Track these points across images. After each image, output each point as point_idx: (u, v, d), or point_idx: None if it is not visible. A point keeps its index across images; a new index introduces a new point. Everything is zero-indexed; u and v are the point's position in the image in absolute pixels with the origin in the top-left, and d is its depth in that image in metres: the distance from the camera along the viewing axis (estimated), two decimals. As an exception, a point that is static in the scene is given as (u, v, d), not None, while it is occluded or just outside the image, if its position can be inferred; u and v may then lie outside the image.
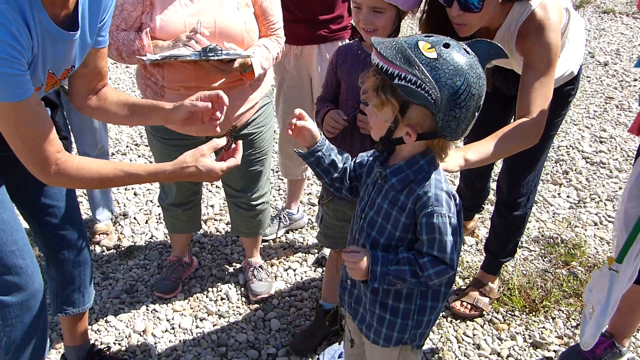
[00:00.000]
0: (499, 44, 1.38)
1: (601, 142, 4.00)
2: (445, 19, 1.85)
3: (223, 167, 1.60)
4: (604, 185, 3.50)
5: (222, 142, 1.65)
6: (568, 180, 3.57)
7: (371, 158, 1.59)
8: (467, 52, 1.32)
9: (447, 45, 1.29)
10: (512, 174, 2.40)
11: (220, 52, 1.92)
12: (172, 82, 2.09)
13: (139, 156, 3.83)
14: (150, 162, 3.80)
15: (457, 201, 1.45)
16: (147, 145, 3.98)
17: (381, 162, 1.50)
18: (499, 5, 1.78)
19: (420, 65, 1.26)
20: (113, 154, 3.79)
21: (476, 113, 1.36)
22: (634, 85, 4.80)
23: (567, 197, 3.41)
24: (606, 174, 3.61)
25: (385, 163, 1.49)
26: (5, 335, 1.75)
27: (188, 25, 1.98)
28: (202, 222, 2.89)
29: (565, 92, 2.23)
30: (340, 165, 1.61)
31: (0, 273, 1.69)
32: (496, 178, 2.69)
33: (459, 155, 1.69)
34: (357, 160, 1.64)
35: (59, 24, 1.45)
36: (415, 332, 1.59)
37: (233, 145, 1.68)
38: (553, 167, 3.70)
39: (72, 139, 2.78)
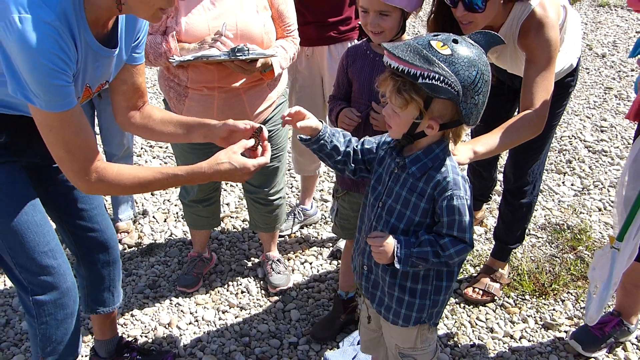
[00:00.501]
0: (495, 33, 1.49)
1: (602, 131, 4.11)
2: (451, 18, 1.95)
3: (255, 163, 1.66)
4: (606, 173, 3.61)
5: (250, 142, 1.71)
6: (572, 169, 3.67)
7: (383, 150, 1.69)
8: (472, 44, 1.43)
9: (456, 41, 1.40)
10: (517, 164, 2.51)
11: (247, 51, 2.02)
12: (195, 82, 2.19)
13: (154, 157, 3.93)
14: (165, 163, 3.90)
15: (469, 184, 1.56)
16: (160, 147, 4.08)
17: (397, 153, 1.59)
18: (501, 5, 1.88)
19: (439, 62, 1.36)
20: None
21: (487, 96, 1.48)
22: (632, 76, 4.91)
23: (572, 185, 3.52)
24: (608, 162, 3.72)
25: (400, 154, 1.59)
26: (41, 332, 1.84)
27: (212, 28, 2.08)
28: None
29: (565, 84, 2.34)
30: (342, 148, 1.69)
31: (35, 273, 1.77)
32: (502, 169, 2.79)
33: (468, 148, 1.79)
34: (365, 146, 1.72)
35: (99, 41, 1.54)
36: (432, 312, 1.69)
37: (259, 145, 1.75)
38: (557, 157, 3.80)
39: (99, 138, 2.87)
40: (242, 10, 2.12)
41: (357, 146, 1.72)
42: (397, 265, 1.54)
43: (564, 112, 2.47)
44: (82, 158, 1.52)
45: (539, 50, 1.93)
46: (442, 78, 1.36)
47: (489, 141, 1.85)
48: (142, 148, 4.01)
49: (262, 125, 1.75)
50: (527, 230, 2.95)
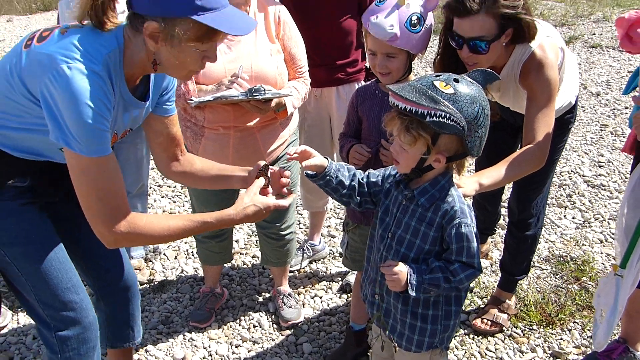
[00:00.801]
0: (490, 70, 1.62)
1: (600, 166, 4.22)
2: (456, 59, 2.08)
3: (276, 203, 1.73)
4: (606, 206, 3.70)
5: (262, 182, 1.78)
6: (572, 202, 3.77)
7: (389, 183, 1.78)
8: (472, 82, 1.55)
9: (457, 80, 1.52)
10: (521, 197, 2.60)
11: (264, 92, 2.14)
12: (212, 122, 2.31)
13: (162, 196, 4.02)
14: (174, 202, 3.99)
15: (474, 214, 1.66)
16: (169, 186, 4.18)
17: (404, 186, 1.69)
18: (502, 47, 2.01)
19: (444, 101, 1.47)
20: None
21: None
22: (626, 113, 5.06)
23: (573, 218, 3.60)
24: (607, 195, 3.82)
25: (407, 186, 1.68)
26: None
27: (228, 70, 2.21)
28: (231, 255, 3.06)
29: (565, 120, 2.46)
30: (347, 182, 1.76)
31: (58, 309, 1.81)
32: (506, 203, 2.89)
33: (474, 181, 1.89)
34: (370, 179, 1.80)
35: (131, 93, 1.64)
36: (443, 336, 1.76)
37: (269, 184, 1.82)
38: (557, 192, 3.90)
39: None
40: (257, 53, 2.25)
41: (362, 179, 1.80)
42: (411, 292, 1.61)
43: (564, 147, 2.58)
44: (113, 205, 1.53)
45: (540, 89, 2.04)
46: (448, 115, 1.46)
47: (494, 174, 1.94)
48: (150, 187, 4.10)
49: (265, 163, 1.83)
50: (532, 262, 3.02)
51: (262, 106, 2.20)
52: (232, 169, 1.93)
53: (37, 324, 1.89)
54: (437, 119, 1.46)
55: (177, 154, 1.92)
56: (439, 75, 1.53)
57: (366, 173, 1.82)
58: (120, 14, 1.58)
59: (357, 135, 2.28)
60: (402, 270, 1.62)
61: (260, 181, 1.78)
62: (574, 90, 2.43)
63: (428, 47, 2.12)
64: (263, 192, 1.78)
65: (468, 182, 1.84)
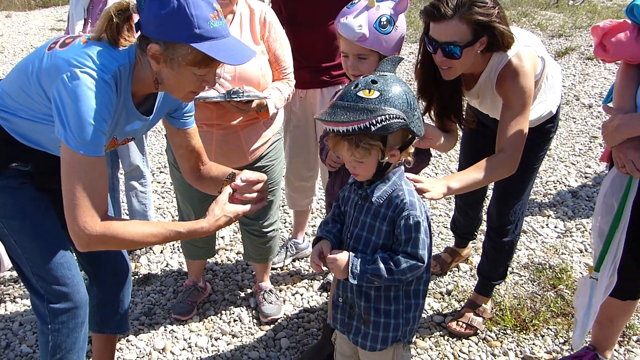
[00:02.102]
0: (395, 56, 1.70)
1: (586, 177, 4.28)
2: (435, 65, 2.14)
3: (244, 209, 1.81)
4: (588, 216, 3.75)
5: (229, 190, 1.84)
6: (555, 212, 3.82)
7: (346, 192, 1.85)
8: (385, 75, 1.62)
9: (374, 82, 1.58)
10: (501, 204, 2.65)
11: (242, 94, 2.21)
12: (195, 120, 2.35)
13: (153, 191, 4.08)
14: (162, 197, 4.05)
15: (426, 209, 1.72)
16: (159, 182, 4.24)
17: (358, 186, 1.76)
18: (478, 55, 2.07)
19: (378, 106, 1.54)
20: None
21: None
22: (617, 125, 5.10)
23: (555, 227, 3.66)
24: (590, 206, 3.87)
25: (362, 186, 1.75)
26: (52, 340, 1.97)
27: (212, 70, 2.26)
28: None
29: (546, 130, 2.51)
30: (338, 231, 1.84)
31: (51, 283, 1.92)
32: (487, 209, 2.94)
33: (442, 184, 1.94)
34: (336, 210, 1.87)
35: (135, 106, 1.77)
36: (405, 329, 1.81)
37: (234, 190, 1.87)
38: (541, 200, 3.95)
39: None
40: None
41: (336, 213, 1.87)
42: (351, 280, 1.66)
43: (544, 156, 2.63)
44: (93, 205, 1.60)
45: (515, 96, 2.09)
46: (388, 117, 1.53)
47: (463, 177, 2.00)
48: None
49: (234, 171, 1.90)
50: (510, 269, 3.08)
51: (242, 107, 2.27)
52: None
53: (31, 295, 2.00)
54: (381, 125, 1.53)
55: (198, 165, 2.05)
56: (357, 85, 1.59)
57: (332, 210, 1.89)
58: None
59: None
60: (342, 257, 1.69)
61: (228, 189, 1.84)
62: (555, 100, 2.47)
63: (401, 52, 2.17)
64: (231, 199, 1.84)
65: (437, 185, 1.90)
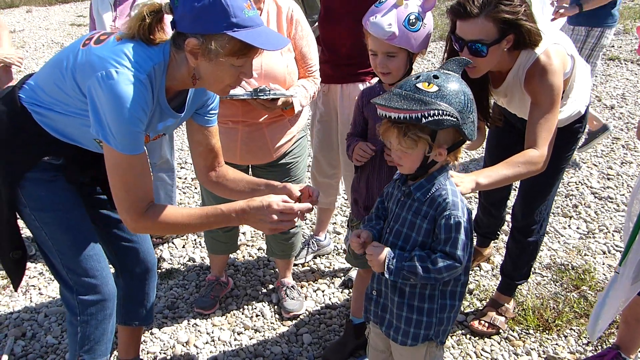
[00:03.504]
0: (461, 57, 1.69)
1: (608, 179, 4.24)
2: None
3: (280, 200, 1.73)
4: (611, 218, 3.72)
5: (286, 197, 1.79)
6: (578, 213, 3.79)
7: (390, 188, 1.85)
8: (449, 74, 1.62)
9: (436, 77, 1.59)
10: (526, 203, 2.64)
11: (268, 92, 2.23)
12: (221, 116, 2.38)
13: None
14: (184, 192, 4.09)
15: (469, 210, 1.71)
16: (180, 178, 4.28)
17: (402, 183, 1.76)
18: (505, 53, 2.06)
19: (433, 100, 1.55)
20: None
21: None
22: (640, 127, 5.05)
23: (577, 228, 3.63)
24: (614, 208, 3.84)
25: (405, 183, 1.75)
26: (81, 330, 2.01)
27: (237, 68, 2.29)
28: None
29: (574, 129, 2.49)
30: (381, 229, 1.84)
31: (80, 275, 1.96)
32: (510, 209, 2.93)
33: (471, 179, 1.94)
34: (380, 206, 1.88)
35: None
36: (438, 329, 1.81)
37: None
38: (563, 202, 3.93)
39: None
40: (267, 52, 2.32)
41: (380, 209, 1.88)
42: (386, 275, 1.67)
43: (572, 156, 2.61)
44: (138, 197, 1.70)
45: (543, 94, 2.09)
46: (441, 112, 1.54)
47: (492, 174, 1.99)
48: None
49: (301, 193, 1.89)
50: (532, 269, 3.06)
51: (268, 105, 2.29)
52: (259, 182, 2.04)
53: (60, 286, 2.04)
54: (433, 118, 1.54)
55: (214, 165, 2.06)
56: (419, 77, 1.60)
57: (377, 207, 1.90)
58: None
59: (364, 135, 2.34)
60: (381, 251, 1.69)
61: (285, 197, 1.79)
62: (584, 100, 2.46)
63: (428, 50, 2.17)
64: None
65: (465, 180, 1.90)
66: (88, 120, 1.66)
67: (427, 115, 1.53)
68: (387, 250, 1.70)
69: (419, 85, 1.57)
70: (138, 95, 1.59)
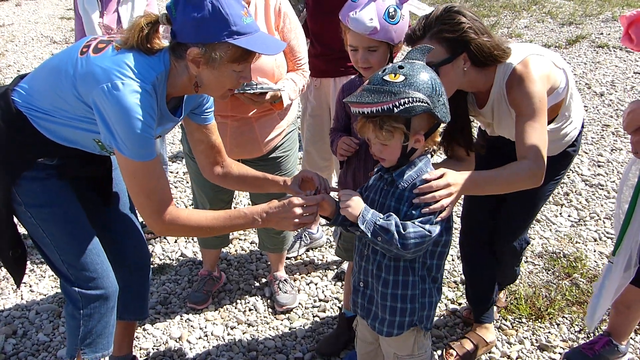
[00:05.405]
0: (423, 45, 1.72)
1: (599, 166, 4.26)
2: None
3: (299, 199, 1.78)
4: (602, 205, 3.74)
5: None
6: (569, 201, 3.81)
7: (370, 181, 1.85)
8: (413, 62, 1.66)
9: (401, 67, 1.63)
10: (507, 233, 2.51)
11: (255, 86, 2.22)
12: (211, 111, 2.37)
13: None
14: (175, 186, 4.07)
15: None
16: (171, 172, 4.25)
17: (384, 172, 1.77)
18: (473, 71, 1.97)
19: (402, 89, 1.58)
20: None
21: None
22: (629, 114, 5.07)
23: (568, 216, 3.65)
24: (604, 195, 3.85)
25: (387, 172, 1.75)
26: (83, 324, 2.00)
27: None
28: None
29: (568, 153, 2.34)
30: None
31: (81, 269, 1.96)
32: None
33: (460, 174, 1.87)
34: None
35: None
36: (422, 314, 1.82)
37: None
38: (554, 189, 3.93)
39: None
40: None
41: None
42: (360, 225, 1.64)
43: (560, 180, 2.46)
44: (159, 200, 1.74)
45: (524, 103, 1.96)
46: (411, 99, 1.57)
47: (486, 173, 1.88)
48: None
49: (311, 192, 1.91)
50: (524, 258, 3.07)
51: (256, 99, 2.27)
52: (268, 177, 2.12)
53: (61, 280, 2.04)
54: (404, 107, 1.57)
55: (218, 160, 2.11)
56: (385, 70, 1.64)
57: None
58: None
59: (347, 130, 2.31)
60: (359, 200, 1.69)
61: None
62: (578, 121, 2.30)
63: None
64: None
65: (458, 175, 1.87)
66: (88, 124, 1.73)
67: (398, 104, 1.57)
68: (363, 204, 1.69)
69: (386, 77, 1.61)
70: (145, 103, 1.64)
